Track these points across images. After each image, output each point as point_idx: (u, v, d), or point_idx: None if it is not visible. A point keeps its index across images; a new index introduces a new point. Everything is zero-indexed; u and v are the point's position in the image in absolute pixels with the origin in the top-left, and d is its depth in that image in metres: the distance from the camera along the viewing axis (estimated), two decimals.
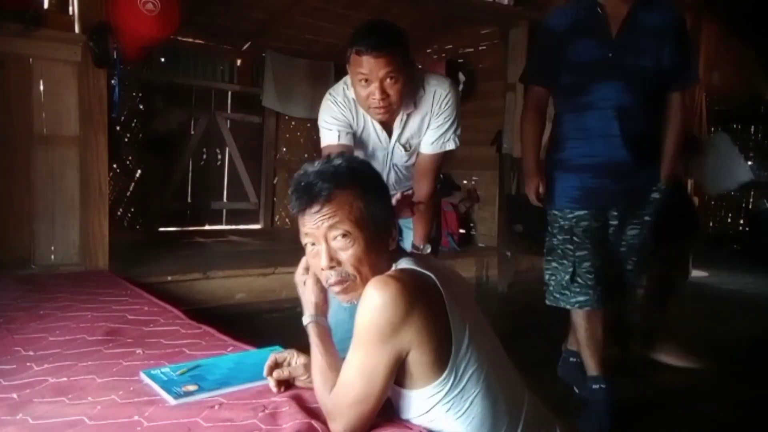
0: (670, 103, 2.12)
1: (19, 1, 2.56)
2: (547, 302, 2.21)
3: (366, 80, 1.67)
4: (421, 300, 0.97)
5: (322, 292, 1.17)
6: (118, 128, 3.99)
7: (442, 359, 0.99)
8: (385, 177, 1.92)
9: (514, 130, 4.49)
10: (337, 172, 1.06)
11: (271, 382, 1.24)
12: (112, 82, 2.88)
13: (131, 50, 2.84)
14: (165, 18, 2.65)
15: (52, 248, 2.70)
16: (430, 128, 1.85)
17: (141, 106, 4.38)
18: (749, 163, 6.74)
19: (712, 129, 6.03)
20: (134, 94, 4.30)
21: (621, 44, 2.01)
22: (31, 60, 2.62)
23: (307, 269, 1.19)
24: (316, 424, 1.08)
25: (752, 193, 6.62)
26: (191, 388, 1.26)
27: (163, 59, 4.38)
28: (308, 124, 5.21)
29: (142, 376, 1.33)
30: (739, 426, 2.19)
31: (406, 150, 1.90)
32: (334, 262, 1.05)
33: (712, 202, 6.46)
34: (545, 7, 4.26)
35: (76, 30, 2.71)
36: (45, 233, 2.68)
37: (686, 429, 2.14)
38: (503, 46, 4.50)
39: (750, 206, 6.64)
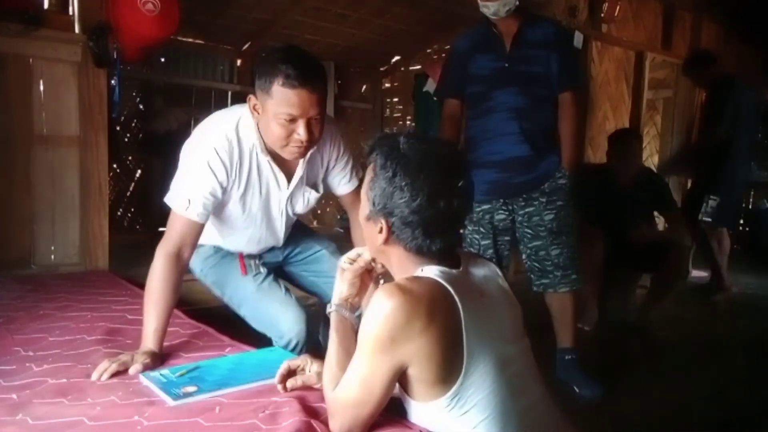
0: (562, 102, 2.39)
1: (19, 1, 2.55)
2: None
3: (291, 119, 1.45)
4: (429, 316, 0.94)
5: (356, 288, 1.17)
6: (118, 128, 4.00)
7: (446, 380, 0.96)
8: (280, 226, 1.77)
9: None
10: (374, 144, 1.09)
11: (279, 387, 1.23)
12: (112, 82, 2.88)
13: (131, 50, 2.84)
14: (165, 18, 2.65)
15: (52, 248, 2.70)
16: (335, 169, 1.78)
17: (141, 106, 4.38)
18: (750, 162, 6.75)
19: None
20: (134, 94, 4.31)
21: (514, 56, 2.34)
22: (31, 60, 2.62)
23: (353, 260, 1.19)
24: (315, 423, 1.08)
25: (752, 193, 6.62)
26: (190, 389, 1.26)
27: (163, 59, 4.38)
28: None
29: (141, 377, 1.33)
30: (740, 427, 2.19)
31: (317, 191, 1.77)
32: None
33: None
34: (544, 7, 4.26)
35: (76, 30, 2.70)
36: (45, 233, 2.68)
37: (686, 430, 2.14)
38: None
39: (750, 206, 6.63)
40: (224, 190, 1.57)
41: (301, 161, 1.66)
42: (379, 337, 0.94)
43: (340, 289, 1.19)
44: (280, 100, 1.44)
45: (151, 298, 1.47)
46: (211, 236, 1.74)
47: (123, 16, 2.62)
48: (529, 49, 2.33)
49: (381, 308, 0.94)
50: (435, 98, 2.95)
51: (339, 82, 5.20)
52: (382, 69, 5.82)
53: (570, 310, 2.41)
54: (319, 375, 1.21)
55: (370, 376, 0.96)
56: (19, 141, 2.62)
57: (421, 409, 1.02)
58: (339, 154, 1.78)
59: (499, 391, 0.99)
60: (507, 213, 2.42)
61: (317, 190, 1.77)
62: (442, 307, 0.97)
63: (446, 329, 0.95)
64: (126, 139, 4.26)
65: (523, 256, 2.47)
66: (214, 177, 1.53)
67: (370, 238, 1.11)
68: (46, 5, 2.70)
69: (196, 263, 1.77)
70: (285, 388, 1.22)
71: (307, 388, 1.23)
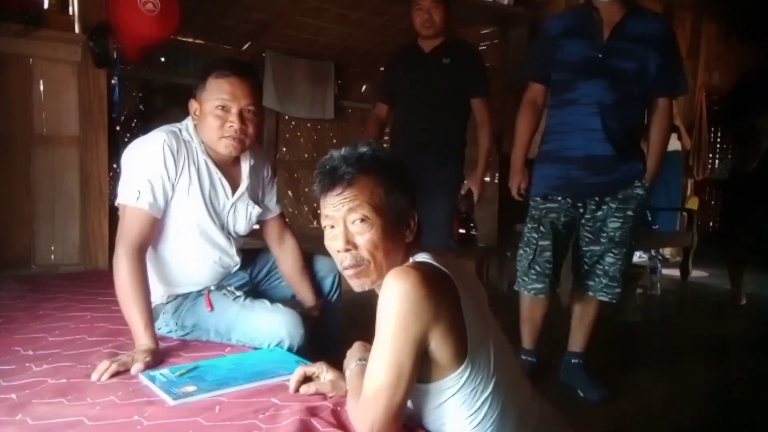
0: (657, 107, 2.24)
1: (19, 1, 2.56)
2: (514, 287, 2.40)
3: (223, 107, 1.56)
4: (439, 291, 0.97)
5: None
6: (118, 128, 4.00)
7: (459, 353, 0.99)
8: (231, 236, 1.74)
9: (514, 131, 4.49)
10: (362, 158, 1.07)
11: (292, 392, 1.25)
12: (112, 82, 2.88)
13: (131, 50, 2.84)
14: (165, 18, 2.65)
15: (52, 248, 2.71)
16: (268, 188, 1.85)
17: (141, 106, 4.38)
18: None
19: (712, 129, 6.03)
20: (134, 94, 4.30)
21: (610, 47, 2.14)
22: (31, 60, 2.63)
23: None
24: (315, 421, 1.08)
25: None
26: (190, 389, 1.26)
27: (163, 59, 4.38)
28: (308, 124, 5.22)
29: (141, 377, 1.33)
30: (739, 427, 2.19)
31: (259, 207, 1.78)
32: (350, 245, 1.06)
33: (712, 203, 6.45)
34: (545, 7, 4.26)
35: (76, 30, 2.71)
36: (45, 233, 2.68)
37: (686, 430, 2.14)
38: (503, 46, 4.49)
39: None
40: (172, 184, 1.58)
41: (244, 171, 1.72)
42: (402, 314, 0.94)
43: (356, 355, 1.21)
44: (214, 90, 1.57)
45: (130, 296, 1.46)
46: (170, 284, 1.69)
47: (123, 16, 2.62)
48: (627, 42, 2.13)
49: (399, 287, 0.95)
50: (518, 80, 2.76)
51: (339, 82, 5.19)
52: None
53: (593, 317, 2.35)
54: (333, 383, 1.22)
55: (396, 356, 0.95)
56: (19, 141, 2.62)
57: (438, 388, 1.01)
58: (270, 175, 1.87)
59: (496, 366, 1.03)
60: (573, 216, 2.25)
61: (259, 206, 1.79)
62: (445, 285, 1.00)
63: (452, 304, 0.99)
64: (126, 139, 4.25)
65: (572, 252, 2.37)
66: (162, 165, 1.55)
67: (395, 245, 1.08)
68: (46, 5, 2.70)
69: (167, 322, 1.68)
70: (297, 391, 1.24)
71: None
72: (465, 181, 2.91)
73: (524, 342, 2.43)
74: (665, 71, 2.16)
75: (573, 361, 2.39)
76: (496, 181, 4.51)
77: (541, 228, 2.26)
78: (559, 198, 2.23)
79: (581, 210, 2.25)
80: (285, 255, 1.87)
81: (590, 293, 2.31)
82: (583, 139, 2.17)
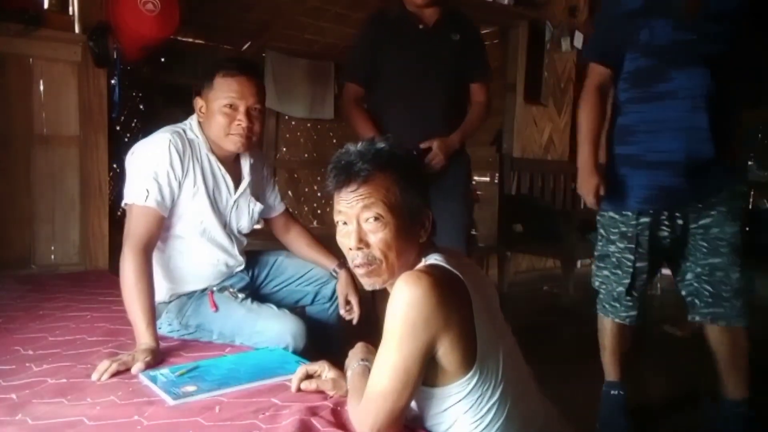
0: (749, 96, 1.97)
1: (19, 1, 2.56)
2: (599, 312, 2.08)
3: (231, 106, 1.60)
4: (451, 296, 0.96)
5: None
6: (118, 128, 4.00)
7: (467, 359, 0.98)
8: (233, 233, 1.77)
9: (514, 130, 4.50)
10: (379, 155, 1.05)
11: (294, 390, 1.25)
12: (112, 82, 2.88)
13: (131, 50, 2.84)
14: (165, 18, 2.65)
15: (52, 248, 2.70)
16: (269, 188, 1.92)
17: (141, 106, 4.38)
18: (750, 162, 6.75)
19: None
20: (134, 94, 4.31)
21: (701, 26, 1.79)
22: (31, 60, 2.62)
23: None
24: (315, 421, 1.08)
25: (752, 193, 6.62)
26: (190, 389, 1.26)
27: (163, 59, 4.38)
28: (308, 124, 5.21)
29: (141, 377, 1.33)
30: (739, 426, 2.18)
31: (262, 204, 1.82)
32: (362, 243, 1.04)
33: None
34: (545, 7, 4.27)
35: (76, 30, 2.71)
36: (45, 233, 2.68)
37: (687, 429, 2.14)
38: (503, 45, 4.50)
39: (750, 206, 6.63)
40: (179, 182, 1.61)
41: (245, 168, 1.75)
42: (412, 321, 0.93)
43: (358, 355, 1.21)
44: (222, 89, 1.61)
45: (134, 295, 1.48)
46: (175, 282, 1.71)
47: (123, 16, 2.62)
48: (716, 22, 1.79)
49: (410, 293, 0.93)
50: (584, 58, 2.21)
51: (339, 82, 5.20)
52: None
53: (745, 349, 1.99)
54: (334, 382, 1.23)
55: (403, 362, 0.94)
56: (19, 141, 2.62)
57: (444, 393, 1.01)
58: (269, 174, 1.95)
59: (506, 372, 1.02)
60: (671, 229, 1.92)
61: (262, 203, 1.83)
62: (457, 289, 1.00)
63: (464, 308, 0.99)
64: (126, 139, 4.26)
65: (687, 276, 1.98)
66: (169, 164, 1.58)
67: (408, 245, 1.07)
68: (46, 5, 2.70)
69: (171, 321, 1.68)
70: (299, 389, 1.24)
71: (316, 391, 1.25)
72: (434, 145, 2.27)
73: (609, 374, 2.08)
74: (752, 54, 1.86)
75: (737, 410, 1.99)
76: (496, 181, 4.52)
77: (639, 249, 1.91)
78: (655, 211, 1.90)
79: (680, 222, 1.91)
80: (294, 238, 1.95)
81: (723, 323, 1.95)
82: (684, 140, 1.81)
